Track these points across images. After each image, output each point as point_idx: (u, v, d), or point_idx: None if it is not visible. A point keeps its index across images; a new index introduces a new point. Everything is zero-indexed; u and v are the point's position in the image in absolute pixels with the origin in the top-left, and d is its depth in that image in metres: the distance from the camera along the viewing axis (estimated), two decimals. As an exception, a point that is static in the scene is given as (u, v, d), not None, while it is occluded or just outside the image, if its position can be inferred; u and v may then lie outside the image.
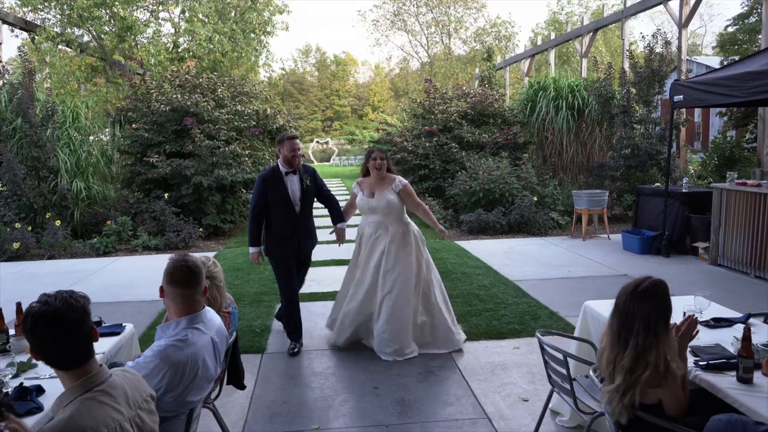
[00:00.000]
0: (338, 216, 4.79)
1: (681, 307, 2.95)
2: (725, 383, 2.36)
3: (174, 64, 14.73)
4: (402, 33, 44.63)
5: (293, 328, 4.71)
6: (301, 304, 4.87)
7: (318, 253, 5.05)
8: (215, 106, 10.93)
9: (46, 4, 14.72)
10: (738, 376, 2.37)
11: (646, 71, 10.17)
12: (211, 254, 8.00)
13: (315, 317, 5.35)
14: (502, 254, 8.20)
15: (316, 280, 6.67)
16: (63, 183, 9.71)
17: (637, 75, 10.32)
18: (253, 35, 18.24)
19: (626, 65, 11.10)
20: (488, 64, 19.17)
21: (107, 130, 11.78)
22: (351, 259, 4.78)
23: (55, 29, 14.56)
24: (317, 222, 4.85)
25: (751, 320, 3.06)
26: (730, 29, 21.01)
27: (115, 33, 14.78)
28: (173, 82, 11.43)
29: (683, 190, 8.11)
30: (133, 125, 10.76)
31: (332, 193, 4.86)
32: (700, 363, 2.51)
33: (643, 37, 10.65)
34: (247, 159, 10.68)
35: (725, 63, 13.79)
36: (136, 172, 10.26)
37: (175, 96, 10.57)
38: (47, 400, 2.25)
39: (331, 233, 4.85)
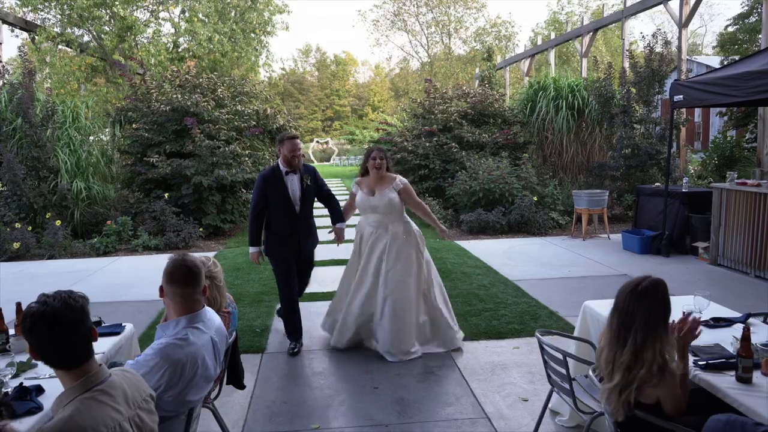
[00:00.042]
0: (338, 216, 4.78)
1: (680, 307, 2.95)
2: (724, 383, 2.36)
3: (174, 64, 14.74)
4: (402, 33, 44.68)
5: (293, 328, 4.71)
6: (301, 304, 4.87)
7: (318, 253, 5.04)
8: (215, 106, 10.94)
9: (46, 4, 14.73)
10: (737, 376, 2.37)
11: (646, 71, 10.17)
12: (211, 254, 7.99)
13: (315, 317, 5.35)
14: (502, 254, 8.20)
15: (316, 280, 6.64)
16: (63, 183, 9.72)
17: (637, 75, 10.32)
18: (253, 35, 18.25)
19: (626, 65, 11.10)
20: (488, 64, 19.17)
21: (107, 130, 11.78)
22: (350, 259, 4.75)
23: (55, 29, 14.57)
24: (318, 222, 4.84)
25: (751, 320, 3.06)
26: (730, 29, 21.01)
27: (115, 33, 14.79)
28: (173, 82, 11.43)
29: (683, 190, 8.11)
30: (133, 125, 10.77)
31: (333, 193, 4.85)
32: (700, 363, 2.51)
33: (643, 36, 10.67)
34: (247, 159, 10.68)
35: (725, 63, 13.78)
36: (137, 172, 10.27)
37: (175, 96, 10.57)
38: (47, 400, 2.25)
39: (330, 233, 4.84)
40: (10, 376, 2.52)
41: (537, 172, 11.37)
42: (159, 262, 2.52)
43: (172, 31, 16.78)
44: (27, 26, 13.78)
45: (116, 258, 8.68)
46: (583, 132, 12.48)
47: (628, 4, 11.99)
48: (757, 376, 2.37)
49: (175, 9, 16.88)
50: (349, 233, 4.92)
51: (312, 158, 34.40)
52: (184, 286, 2.39)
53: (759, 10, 16.72)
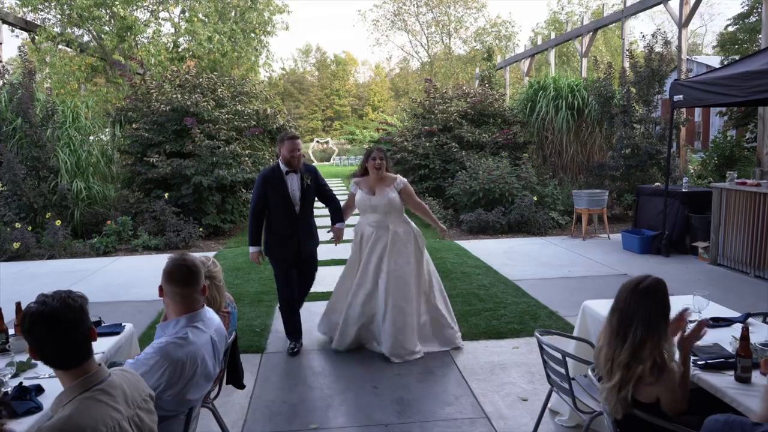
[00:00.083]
0: (338, 216, 4.76)
1: (680, 306, 2.95)
2: (723, 382, 2.36)
3: (174, 64, 14.74)
4: (402, 33, 44.71)
5: (293, 328, 4.70)
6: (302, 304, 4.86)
7: (318, 253, 5.03)
8: (215, 105, 10.94)
9: (46, 4, 14.74)
10: (736, 376, 2.37)
11: (646, 71, 10.17)
12: (211, 254, 7.99)
13: (315, 317, 5.34)
14: (501, 254, 8.20)
15: (316, 279, 6.65)
16: (63, 183, 9.72)
17: (637, 75, 10.32)
18: (253, 35, 18.24)
19: (626, 65, 11.10)
20: (488, 64, 19.18)
21: (107, 130, 11.79)
22: (349, 260, 4.72)
23: (55, 29, 14.57)
24: (318, 222, 4.81)
25: (750, 320, 3.06)
26: (730, 29, 21.02)
27: (115, 33, 14.80)
28: (173, 82, 11.44)
29: (683, 190, 8.11)
30: (133, 125, 10.77)
31: (334, 193, 4.83)
32: (699, 362, 2.51)
33: (643, 36, 10.67)
34: (247, 159, 10.69)
35: (725, 62, 13.78)
36: (136, 171, 10.27)
37: (175, 96, 10.58)
38: (46, 400, 2.25)
39: (328, 232, 4.81)
40: (9, 375, 2.52)
41: (537, 172, 11.38)
42: (159, 262, 2.53)
43: (172, 31, 16.78)
44: (27, 26, 13.79)
45: (116, 258, 8.69)
46: (583, 132, 12.48)
47: (628, 3, 11.99)
48: (756, 375, 2.37)
49: (175, 9, 16.89)
50: (348, 233, 4.91)
51: (312, 158, 34.41)
52: (184, 285, 2.39)
53: (759, 9, 16.72)
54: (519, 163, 11.06)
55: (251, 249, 4.60)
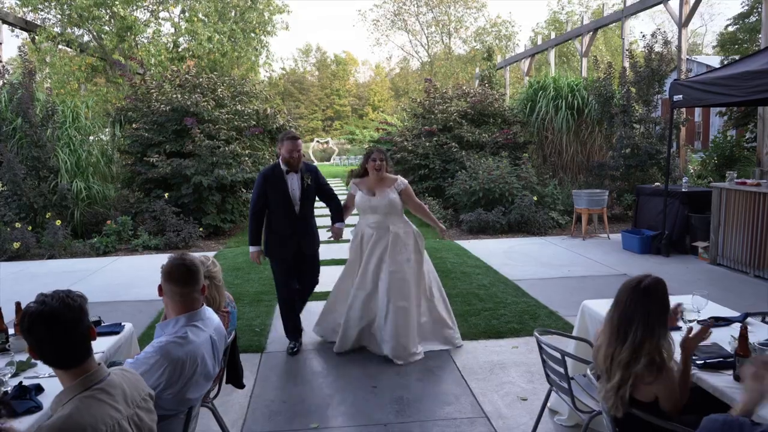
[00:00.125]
0: (338, 215, 4.74)
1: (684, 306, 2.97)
2: (722, 382, 2.37)
3: (174, 64, 14.75)
4: (402, 32, 44.73)
5: (293, 328, 4.70)
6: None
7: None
8: (215, 105, 10.95)
9: (46, 4, 14.75)
10: (735, 375, 2.37)
11: (646, 71, 10.17)
12: (211, 254, 7.96)
13: (315, 317, 5.33)
14: (501, 254, 8.20)
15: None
16: (63, 183, 9.73)
17: (636, 74, 10.32)
18: (253, 35, 18.25)
19: (626, 64, 11.10)
20: (488, 64, 19.17)
21: (107, 129, 11.79)
22: (348, 261, 4.69)
23: (55, 29, 14.58)
24: (319, 222, 4.79)
25: (749, 319, 3.06)
26: (730, 28, 21.01)
27: (115, 33, 14.81)
28: (173, 82, 11.44)
29: (683, 190, 8.11)
30: (133, 125, 10.77)
31: (335, 192, 4.81)
32: (697, 362, 2.52)
33: (643, 36, 10.67)
34: (247, 159, 10.69)
35: (725, 62, 13.78)
36: (136, 171, 10.28)
37: (175, 96, 10.58)
38: (46, 399, 2.25)
39: (327, 231, 4.79)
40: (9, 375, 2.53)
41: (537, 172, 11.38)
42: (159, 261, 2.53)
43: (172, 31, 16.79)
44: (27, 26, 13.80)
45: (116, 258, 8.69)
46: (583, 132, 12.48)
47: (628, 3, 11.99)
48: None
49: (175, 9, 16.90)
50: (347, 233, 4.90)
51: (312, 158, 34.45)
52: (183, 285, 2.40)
53: (759, 9, 16.71)
54: (519, 162, 11.06)
55: (251, 249, 4.59)
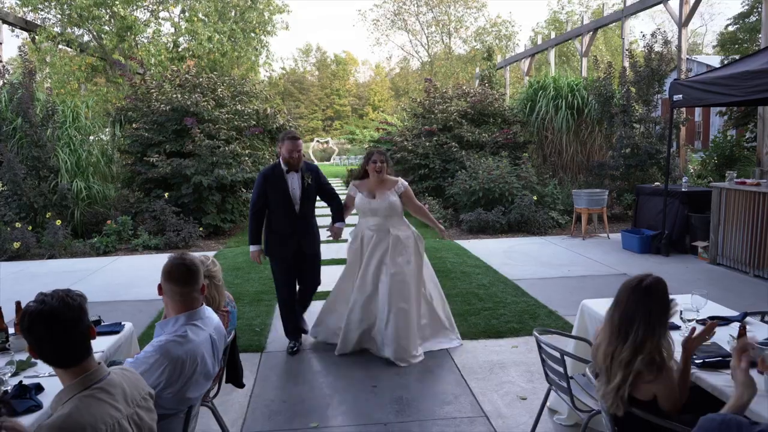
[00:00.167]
0: (339, 215, 4.72)
1: (678, 306, 2.96)
2: (721, 381, 2.37)
3: (174, 64, 14.75)
4: (402, 32, 44.71)
5: (292, 327, 4.70)
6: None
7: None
8: (215, 105, 10.95)
9: (46, 3, 14.76)
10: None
11: (646, 70, 10.17)
12: (211, 254, 7.99)
13: (315, 316, 5.35)
14: (501, 253, 8.21)
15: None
16: (63, 183, 9.73)
17: (636, 74, 10.32)
18: (253, 35, 18.26)
19: (626, 64, 11.11)
20: (488, 64, 19.17)
21: (107, 129, 11.80)
22: (348, 264, 4.66)
23: (55, 29, 14.59)
24: (320, 222, 4.78)
25: (748, 318, 3.07)
26: (730, 28, 21.01)
27: (115, 33, 14.81)
28: (173, 82, 11.45)
29: (683, 189, 8.11)
30: (134, 125, 10.78)
31: (336, 192, 4.80)
32: (696, 361, 2.52)
33: (643, 36, 10.67)
34: (247, 158, 10.70)
35: (725, 62, 13.78)
36: (137, 171, 10.28)
37: (175, 96, 10.59)
38: (46, 398, 2.26)
39: (327, 230, 4.76)
40: (9, 374, 2.53)
41: (537, 172, 11.38)
42: (159, 261, 2.54)
43: (172, 30, 16.80)
44: (27, 26, 13.80)
45: (116, 257, 8.70)
46: (583, 131, 12.48)
47: (628, 3, 11.99)
48: (752, 374, 2.37)
49: (175, 9, 16.91)
50: (346, 233, 4.90)
51: (312, 158, 34.48)
52: (183, 284, 2.41)
53: (759, 9, 16.71)
54: (519, 162, 11.07)
55: (251, 248, 4.58)
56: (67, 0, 14.39)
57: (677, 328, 2.88)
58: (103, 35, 15.03)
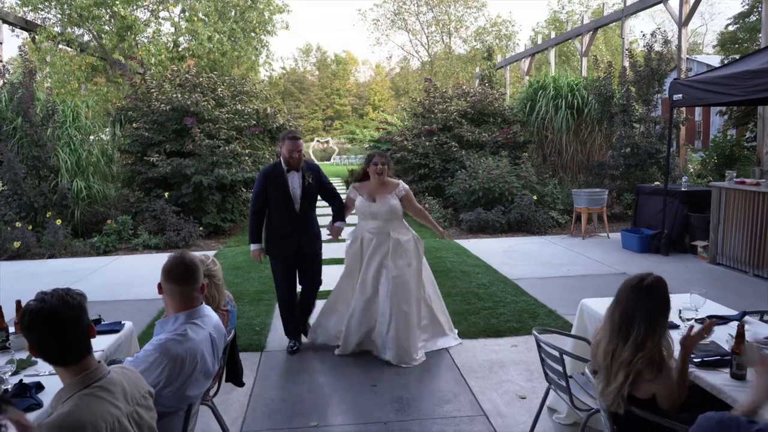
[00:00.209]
0: (340, 214, 4.71)
1: (678, 304, 2.97)
2: (719, 380, 2.38)
3: (174, 64, 14.76)
4: (402, 32, 44.71)
5: (292, 328, 4.71)
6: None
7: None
8: (215, 105, 10.96)
9: (46, 3, 14.76)
10: (731, 373, 2.38)
11: (646, 70, 10.18)
12: (211, 253, 8.01)
13: (314, 316, 5.35)
14: (501, 253, 8.21)
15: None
16: (63, 182, 9.74)
17: (636, 74, 10.32)
18: (253, 34, 18.26)
19: (626, 64, 11.11)
20: (488, 63, 19.17)
21: (107, 129, 11.80)
22: (347, 266, 4.63)
23: (56, 29, 14.60)
24: (321, 222, 4.76)
25: (747, 318, 3.07)
26: (730, 28, 20.98)
27: (115, 32, 14.82)
28: (173, 82, 11.45)
29: (682, 189, 8.11)
30: (134, 124, 10.79)
31: (337, 192, 4.79)
32: (695, 360, 2.53)
33: (643, 35, 10.67)
34: (247, 158, 10.70)
35: (725, 62, 13.78)
36: (137, 171, 10.29)
37: (175, 95, 10.59)
38: (47, 397, 2.26)
39: (326, 230, 4.75)
40: (10, 373, 2.54)
41: (537, 171, 11.39)
42: (159, 261, 2.54)
43: (172, 30, 16.81)
44: (27, 26, 13.81)
45: (116, 257, 8.70)
46: (583, 131, 12.49)
47: (628, 3, 11.99)
48: (751, 373, 2.38)
49: (175, 8, 16.91)
50: (346, 233, 4.89)
51: (312, 157, 34.46)
52: (183, 283, 2.41)
53: (759, 9, 16.70)
54: (519, 162, 11.07)
55: (252, 247, 4.57)
56: (67, 0, 14.39)
57: (676, 327, 2.88)
58: (103, 35, 15.03)
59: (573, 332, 3.50)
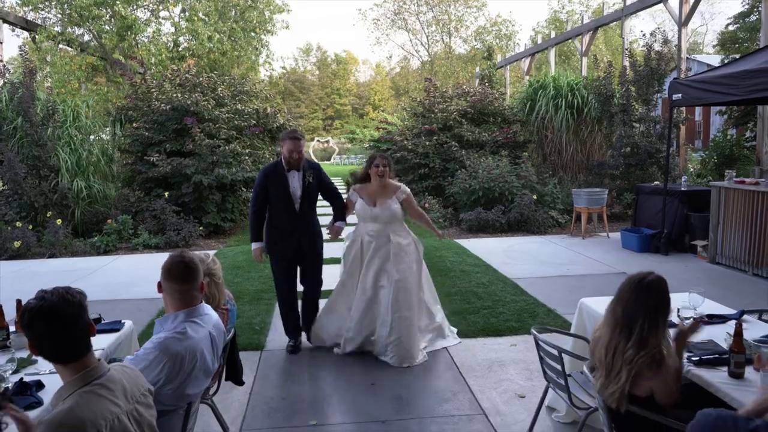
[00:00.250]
0: (340, 214, 4.71)
1: (678, 304, 2.98)
2: (717, 378, 2.39)
3: (174, 63, 14.77)
4: (402, 32, 44.73)
5: (292, 327, 4.71)
6: (301, 303, 4.86)
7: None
8: (215, 105, 10.96)
9: (46, 3, 14.78)
10: (729, 371, 2.39)
11: (646, 70, 10.18)
12: (211, 252, 8.01)
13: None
14: (501, 252, 8.22)
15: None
16: (64, 182, 9.75)
17: (636, 73, 10.33)
18: (253, 34, 18.27)
19: (626, 63, 11.11)
20: (488, 63, 19.17)
21: (108, 129, 11.82)
22: (347, 268, 4.60)
23: (56, 28, 14.62)
24: (322, 221, 4.75)
25: (745, 317, 3.08)
26: (730, 27, 20.97)
27: (116, 32, 14.83)
28: (173, 81, 11.46)
29: (682, 189, 8.12)
30: (134, 124, 10.80)
31: (339, 191, 4.78)
32: (693, 358, 2.54)
33: (643, 35, 10.68)
34: (247, 158, 10.71)
35: (725, 61, 13.78)
36: (137, 170, 10.30)
37: (175, 95, 10.60)
38: (47, 395, 2.27)
39: (326, 228, 4.74)
40: (10, 371, 2.55)
41: (536, 171, 11.39)
42: (159, 260, 2.55)
43: (173, 30, 16.82)
44: (27, 25, 13.83)
45: (116, 257, 8.71)
46: (583, 131, 12.50)
47: (628, 2, 11.99)
48: (749, 371, 2.39)
49: (175, 8, 16.92)
50: (346, 232, 4.89)
51: (313, 157, 34.46)
52: (182, 282, 2.42)
53: (759, 8, 16.70)
54: (519, 161, 11.08)
55: (253, 245, 4.56)
56: (68, 0, 14.41)
57: (674, 326, 2.89)
58: (103, 35, 15.04)
59: (572, 331, 3.51)
